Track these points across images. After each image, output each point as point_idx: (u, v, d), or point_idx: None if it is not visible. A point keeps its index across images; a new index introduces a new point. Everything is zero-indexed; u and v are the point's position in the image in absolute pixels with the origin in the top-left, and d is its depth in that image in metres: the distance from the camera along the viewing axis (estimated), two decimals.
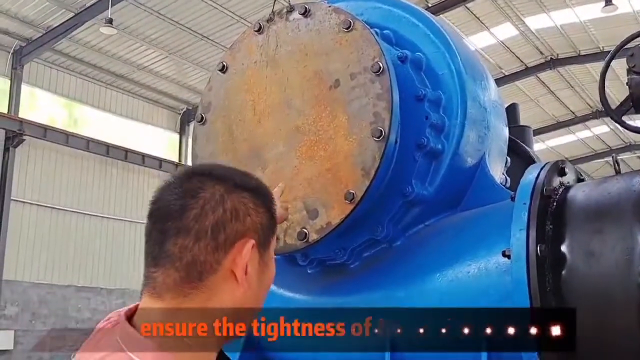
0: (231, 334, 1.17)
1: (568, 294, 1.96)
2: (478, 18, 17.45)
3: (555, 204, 2.13)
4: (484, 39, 18.62)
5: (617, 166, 2.26)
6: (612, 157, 2.28)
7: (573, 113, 23.86)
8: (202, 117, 2.68)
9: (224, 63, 2.67)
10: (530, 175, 2.18)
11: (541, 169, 2.20)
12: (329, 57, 2.38)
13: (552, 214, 2.10)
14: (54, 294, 17.41)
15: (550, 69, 20.24)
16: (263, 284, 1.23)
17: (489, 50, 19.18)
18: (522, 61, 20.05)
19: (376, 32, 2.61)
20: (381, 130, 2.19)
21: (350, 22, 2.35)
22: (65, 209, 17.98)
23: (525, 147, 3.72)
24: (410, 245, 2.45)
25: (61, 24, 16.46)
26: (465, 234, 2.35)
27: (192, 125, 17.77)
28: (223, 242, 1.14)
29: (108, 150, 18.80)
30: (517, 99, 20.61)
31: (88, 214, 18.57)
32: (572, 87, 21.91)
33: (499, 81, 20.09)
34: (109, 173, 19.30)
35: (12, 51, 17.46)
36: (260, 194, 1.24)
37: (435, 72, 2.57)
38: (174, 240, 1.13)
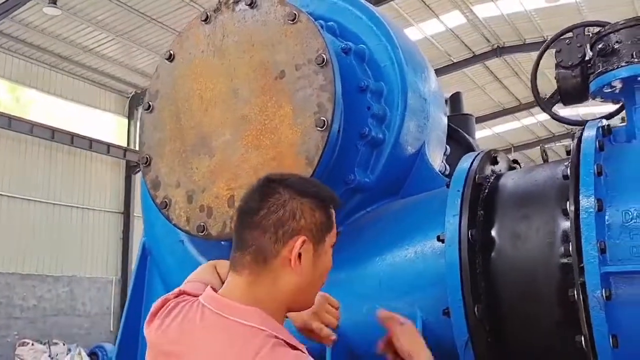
0: (296, 306, 1.59)
1: (496, 275, 2.10)
2: (428, 5, 17.69)
3: (486, 191, 2.26)
4: (433, 27, 18.90)
5: (545, 155, 2.41)
6: (540, 147, 2.42)
7: (518, 100, 24.50)
8: (150, 105, 2.70)
9: (171, 52, 2.70)
10: (464, 164, 2.31)
11: (474, 158, 2.33)
12: (274, 48, 2.44)
13: (483, 200, 2.23)
14: None
15: (497, 57, 20.71)
16: (317, 272, 1.56)
17: (438, 38, 19.49)
18: (470, 49, 20.44)
19: (321, 25, 2.70)
20: (324, 120, 2.28)
21: (296, 14, 2.42)
22: (9, 195, 17.47)
23: (465, 135, 3.88)
24: (352, 231, 2.55)
25: (2, 3, 15.86)
26: (404, 220, 2.47)
27: (140, 109, 17.45)
28: (282, 236, 1.48)
29: (53, 134, 18.31)
30: (465, 86, 21.11)
31: (33, 200, 18.09)
32: (517, 74, 22.48)
33: (448, 68, 20.51)
34: (55, 158, 18.83)
35: None
36: (319, 199, 1.55)
37: (377, 63, 2.67)
38: (249, 232, 1.51)
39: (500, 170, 2.45)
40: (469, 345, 2.06)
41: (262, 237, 1.49)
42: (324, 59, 2.32)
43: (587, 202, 1.88)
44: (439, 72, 20.78)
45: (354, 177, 2.49)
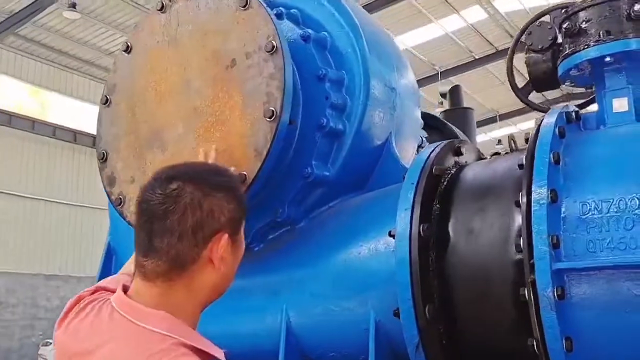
0: (215, 298, 1.47)
1: (449, 273, 1.96)
2: (447, 1, 17.41)
3: (445, 183, 2.12)
4: (454, 23, 18.60)
5: (513, 144, 2.26)
6: (508, 137, 2.27)
7: (544, 96, 24.00)
8: (107, 99, 2.62)
9: (128, 43, 2.61)
10: (421, 155, 2.18)
11: (433, 149, 2.19)
12: (226, 36, 2.34)
13: (441, 193, 2.10)
14: (22, 283, 17.22)
15: (521, 52, 20.26)
16: (236, 261, 1.48)
17: (459, 34, 19.16)
18: (492, 44, 20.06)
19: (282, 12, 2.59)
20: (273, 111, 2.16)
21: (247, 0, 2.31)
22: (33, 196, 17.73)
23: (454, 128, 3.72)
24: (312, 226, 2.43)
25: (24, 8, 16.11)
26: (361, 215, 2.34)
27: None
28: (202, 239, 1.37)
29: (75, 137, 18.55)
30: (489, 82, 20.75)
31: (56, 202, 18.34)
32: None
33: (470, 65, 20.18)
34: (77, 160, 19.05)
35: None
36: (232, 191, 1.46)
37: (339, 51, 2.54)
38: (161, 239, 1.36)
39: (466, 162, 2.30)
40: (419, 349, 1.93)
41: (179, 244, 1.36)
42: (273, 45, 2.20)
43: (539, 192, 1.74)
44: (461, 69, 20.57)
45: (312, 171, 2.36)
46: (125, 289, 1.45)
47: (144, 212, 1.40)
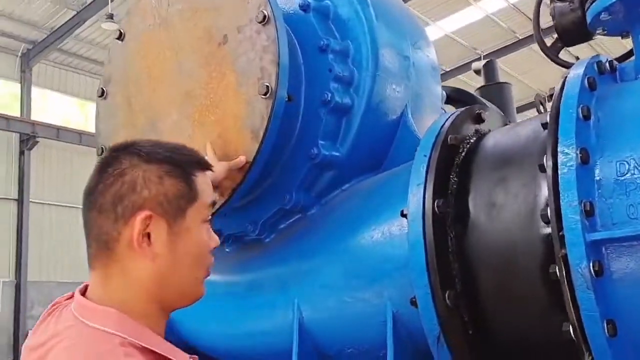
0: (171, 299, 1.25)
1: (471, 254, 1.72)
2: None
3: (463, 154, 1.88)
4: (494, 4, 18.01)
5: (541, 106, 1.99)
6: (535, 97, 2.00)
7: None
8: (103, 91, 2.48)
9: (121, 30, 2.47)
10: (435, 124, 1.94)
11: (449, 116, 1.96)
12: (217, 12, 2.15)
13: (458, 165, 1.86)
14: None
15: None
16: (178, 255, 1.23)
17: (501, 15, 18.56)
18: None
19: None
20: (268, 86, 1.97)
21: None
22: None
23: (483, 101, 3.43)
24: (323, 213, 2.22)
25: (64, 24, 16.47)
26: (373, 196, 2.12)
27: None
28: (121, 213, 1.19)
29: None
30: (534, 62, 20.02)
31: None
32: (591, 45, 21.09)
33: (514, 46, 19.50)
34: None
35: (19, 54, 17.58)
36: (170, 164, 1.24)
37: (343, 20, 2.32)
38: (88, 214, 1.23)
39: (488, 130, 2.05)
40: (441, 340, 1.70)
41: (100, 219, 1.21)
42: (265, 15, 2.01)
43: (566, 153, 1.48)
44: (504, 51, 19.86)
45: (319, 151, 2.15)
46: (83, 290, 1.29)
47: (84, 193, 1.26)
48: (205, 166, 1.34)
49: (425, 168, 1.79)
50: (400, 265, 1.84)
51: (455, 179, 1.82)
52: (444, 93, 2.79)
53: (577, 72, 1.64)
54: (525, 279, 1.61)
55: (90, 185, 1.24)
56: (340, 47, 2.23)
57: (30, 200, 17.32)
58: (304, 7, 2.27)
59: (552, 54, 2.28)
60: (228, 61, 2.09)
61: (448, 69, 19.47)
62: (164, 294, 1.23)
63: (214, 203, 1.35)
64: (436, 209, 1.72)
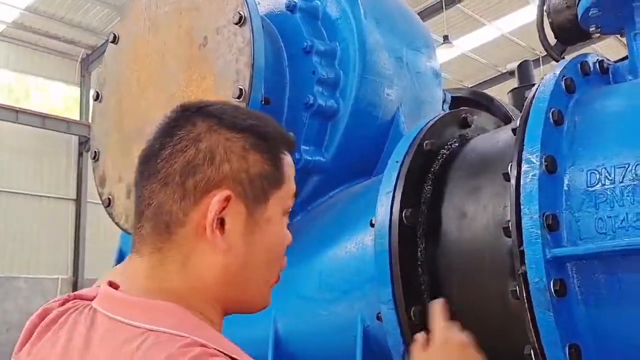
0: (234, 301, 1.00)
1: (440, 268, 1.62)
2: None
3: (441, 160, 1.77)
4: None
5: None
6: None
7: None
8: (98, 94, 2.49)
9: (115, 33, 2.47)
10: (415, 129, 1.84)
11: (429, 120, 1.85)
12: (198, 12, 2.12)
13: (435, 172, 1.75)
14: None
15: None
16: (253, 250, 0.98)
17: None
18: None
19: None
20: (241, 89, 1.91)
21: None
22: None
23: (503, 104, 3.27)
24: (308, 220, 2.15)
25: (104, 43, 16.94)
26: (352, 205, 2.03)
27: None
28: (192, 189, 0.93)
29: None
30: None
31: None
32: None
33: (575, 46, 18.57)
34: None
35: (79, 59, 18.21)
36: (257, 136, 0.99)
37: (332, 20, 2.24)
38: (147, 186, 0.96)
39: (476, 135, 1.93)
40: (406, 359, 1.60)
41: (162, 193, 0.94)
42: (241, 16, 1.96)
43: (530, 161, 1.36)
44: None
45: (300, 157, 2.08)
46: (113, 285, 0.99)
47: (140, 159, 1.01)
48: (293, 146, 1.08)
49: (396, 175, 1.69)
50: (371, 278, 1.75)
51: (430, 187, 1.72)
52: (448, 96, 2.66)
53: (554, 73, 1.51)
54: (490, 296, 1.49)
55: (152, 150, 0.97)
56: (325, 49, 2.15)
57: (87, 200, 17.88)
58: (290, 8, 2.21)
59: (555, 53, 2.13)
60: (208, 64, 2.05)
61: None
62: (229, 294, 0.98)
63: (296, 195, 1.08)
64: (404, 219, 1.62)
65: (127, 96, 2.35)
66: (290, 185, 1.03)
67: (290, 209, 1.05)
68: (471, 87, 18.79)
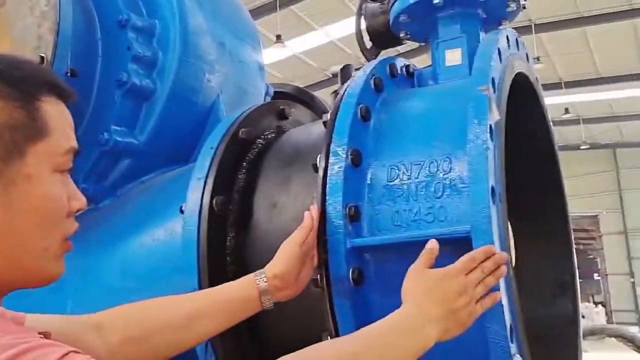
0: (5, 279, 0.88)
1: (248, 258, 1.61)
2: None
3: (256, 149, 1.77)
4: None
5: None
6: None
7: None
8: None
9: None
10: (229, 117, 1.82)
11: (246, 109, 1.84)
12: None
13: (250, 161, 1.74)
14: None
15: None
16: (15, 213, 0.86)
17: None
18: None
19: None
20: (43, 57, 1.75)
21: None
22: None
23: (323, 103, 3.37)
24: (116, 205, 2.03)
25: None
26: (163, 191, 1.96)
27: None
28: None
29: None
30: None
31: None
32: None
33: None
34: None
35: None
36: (3, 81, 0.87)
37: None
38: None
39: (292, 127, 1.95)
40: (209, 350, 1.57)
41: None
42: None
43: (337, 154, 1.40)
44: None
45: (109, 137, 1.96)
46: None
47: None
48: (63, 93, 0.96)
49: (209, 162, 1.65)
50: (180, 267, 1.69)
51: (244, 175, 1.70)
52: (271, 90, 2.68)
53: (364, 71, 1.58)
54: None
55: None
56: (143, 24, 2.05)
57: None
58: None
59: (370, 55, 2.22)
60: (5, 27, 1.84)
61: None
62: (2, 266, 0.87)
63: (76, 152, 0.97)
64: (215, 206, 1.59)
65: None
66: (57, 139, 0.93)
67: (69, 167, 0.95)
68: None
